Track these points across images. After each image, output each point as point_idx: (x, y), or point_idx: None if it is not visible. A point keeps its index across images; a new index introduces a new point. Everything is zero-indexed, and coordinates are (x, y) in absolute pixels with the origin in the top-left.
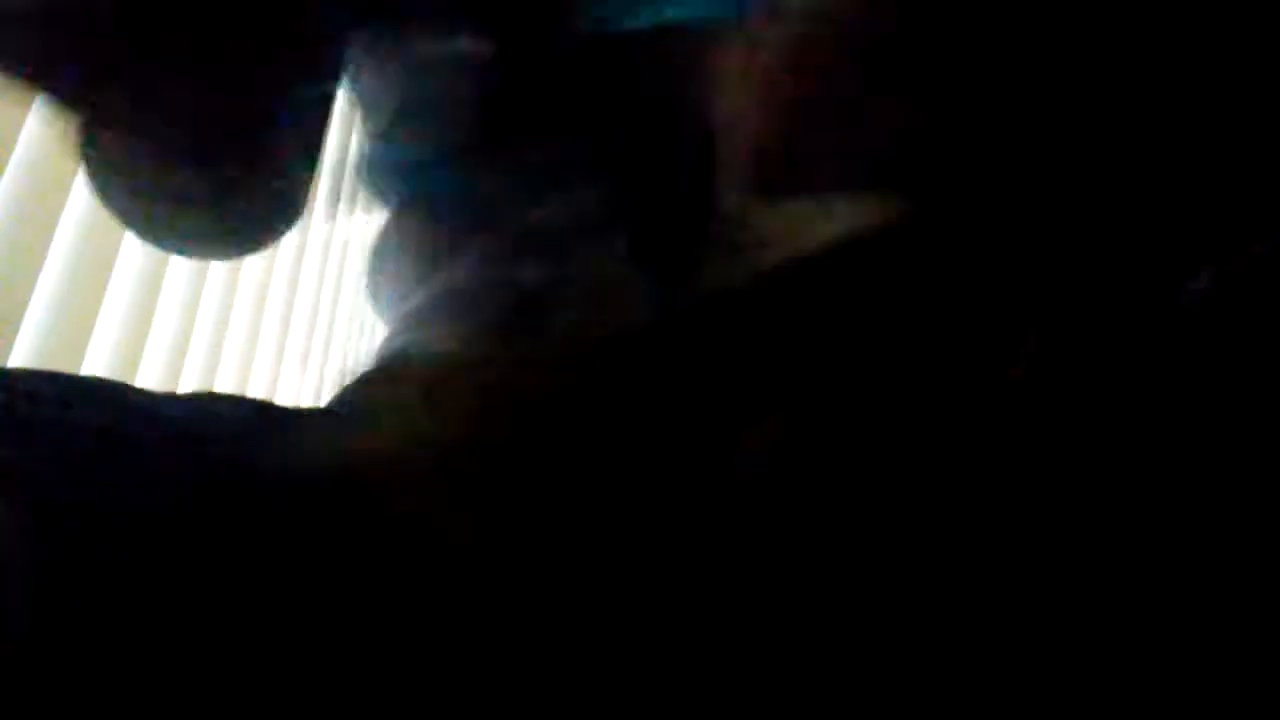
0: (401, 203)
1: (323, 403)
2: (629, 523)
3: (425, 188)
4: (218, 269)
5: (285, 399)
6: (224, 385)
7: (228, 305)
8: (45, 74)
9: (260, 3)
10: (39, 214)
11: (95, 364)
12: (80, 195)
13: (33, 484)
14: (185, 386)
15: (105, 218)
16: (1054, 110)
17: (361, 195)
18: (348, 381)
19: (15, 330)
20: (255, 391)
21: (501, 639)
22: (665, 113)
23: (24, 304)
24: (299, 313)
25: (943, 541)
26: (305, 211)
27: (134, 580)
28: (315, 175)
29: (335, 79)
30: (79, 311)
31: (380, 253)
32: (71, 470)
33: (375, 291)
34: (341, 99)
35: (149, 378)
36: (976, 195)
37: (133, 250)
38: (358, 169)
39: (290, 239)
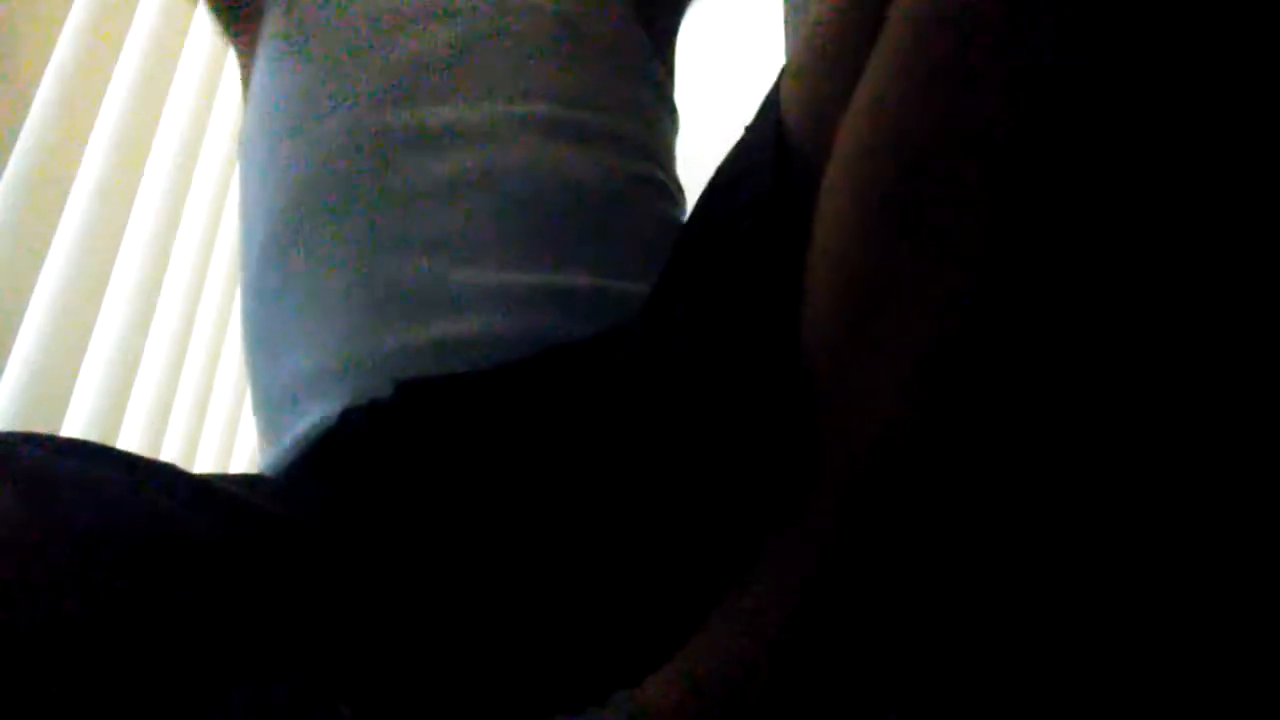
0: None
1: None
2: None
3: None
4: (214, 277)
5: None
6: (222, 386)
7: (226, 310)
8: None
9: None
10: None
11: (95, 359)
12: (77, 203)
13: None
14: (182, 385)
15: (102, 228)
16: None
17: None
18: None
19: (12, 335)
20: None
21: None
22: None
23: (20, 311)
24: None
25: None
26: None
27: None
28: None
29: None
30: (76, 317)
31: None
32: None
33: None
34: None
35: (146, 379)
36: None
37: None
38: None
39: None
